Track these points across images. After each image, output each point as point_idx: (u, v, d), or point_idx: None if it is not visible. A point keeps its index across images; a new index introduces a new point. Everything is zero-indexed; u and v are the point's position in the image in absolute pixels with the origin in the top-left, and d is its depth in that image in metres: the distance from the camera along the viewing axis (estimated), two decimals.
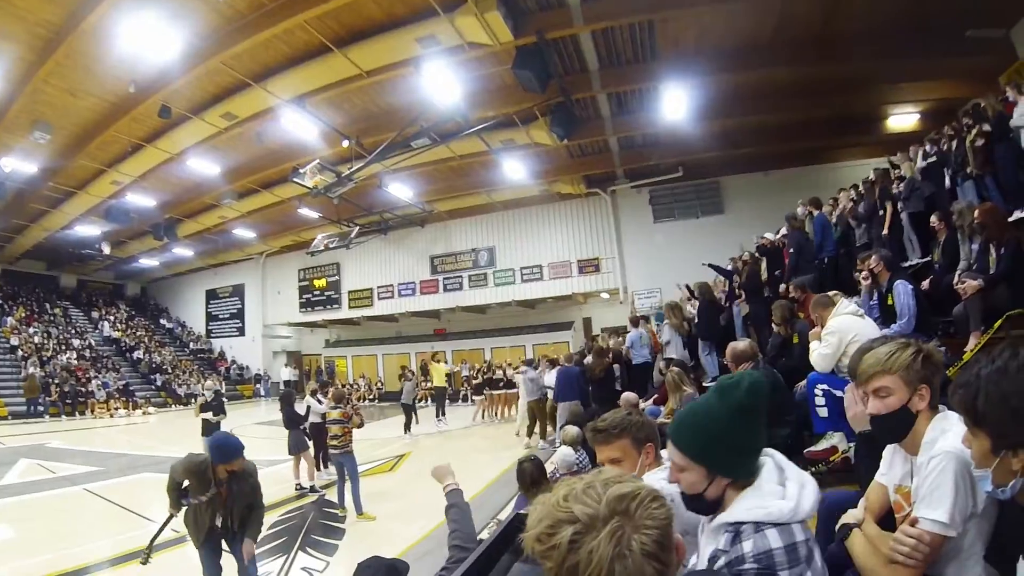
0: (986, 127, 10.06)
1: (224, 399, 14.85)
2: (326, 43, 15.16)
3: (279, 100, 17.19)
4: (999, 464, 1.68)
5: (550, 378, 16.15)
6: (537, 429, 16.33)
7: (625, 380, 13.61)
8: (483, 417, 22.41)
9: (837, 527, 2.63)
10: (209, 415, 13.89)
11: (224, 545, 5.94)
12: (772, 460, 2.01)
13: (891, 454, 2.64)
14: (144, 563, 6.09)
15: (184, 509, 5.78)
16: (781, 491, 1.88)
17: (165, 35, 13.20)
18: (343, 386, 28.41)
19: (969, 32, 15.27)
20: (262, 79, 16.53)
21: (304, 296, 35.57)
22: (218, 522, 5.67)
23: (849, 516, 2.63)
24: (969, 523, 2.08)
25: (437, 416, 20.70)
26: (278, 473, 12.83)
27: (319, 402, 12.98)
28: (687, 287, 14.61)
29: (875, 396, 2.39)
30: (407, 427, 19.39)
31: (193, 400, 30.33)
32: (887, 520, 2.56)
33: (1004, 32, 15.12)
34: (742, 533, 1.83)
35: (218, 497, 5.64)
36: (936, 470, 2.13)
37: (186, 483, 5.78)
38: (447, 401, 22.30)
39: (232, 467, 5.63)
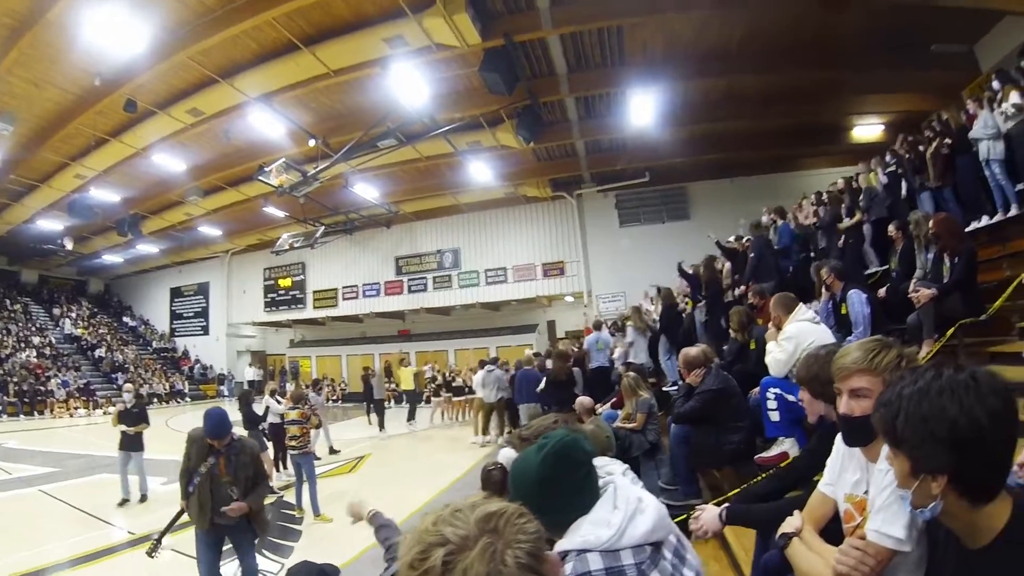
0: (947, 140, 10.33)
1: (146, 405, 13.45)
2: (294, 41, 15.09)
3: (246, 97, 17.10)
4: (919, 486, 1.65)
5: (477, 378, 16.76)
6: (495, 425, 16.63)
7: (583, 384, 13.67)
8: (442, 418, 22.45)
9: (776, 536, 2.64)
10: (124, 427, 11.54)
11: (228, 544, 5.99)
12: (612, 488, 2.05)
13: (840, 462, 2.63)
14: (151, 555, 6.07)
15: (191, 497, 5.76)
16: (607, 519, 1.93)
17: (132, 28, 12.97)
18: (307, 386, 28.29)
19: (934, 47, 15.65)
20: (230, 75, 16.40)
21: (269, 295, 35.42)
22: (224, 492, 5.65)
23: (788, 525, 2.63)
24: (919, 540, 2.07)
25: (409, 419, 20.69)
26: None
27: (278, 402, 12.91)
28: (657, 288, 14.72)
29: (852, 395, 2.33)
30: (381, 424, 19.67)
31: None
32: (827, 531, 2.57)
33: (968, 47, 15.53)
34: (566, 559, 1.88)
35: (217, 468, 5.67)
36: (894, 483, 1.98)
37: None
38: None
39: (220, 443, 5.69)
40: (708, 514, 3.22)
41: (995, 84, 10.34)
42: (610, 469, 2.32)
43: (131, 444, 11.39)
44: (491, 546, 1.22)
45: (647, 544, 1.92)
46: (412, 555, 1.24)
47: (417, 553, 1.23)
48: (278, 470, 12.95)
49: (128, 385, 13.66)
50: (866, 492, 2.38)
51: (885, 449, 2.06)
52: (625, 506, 1.96)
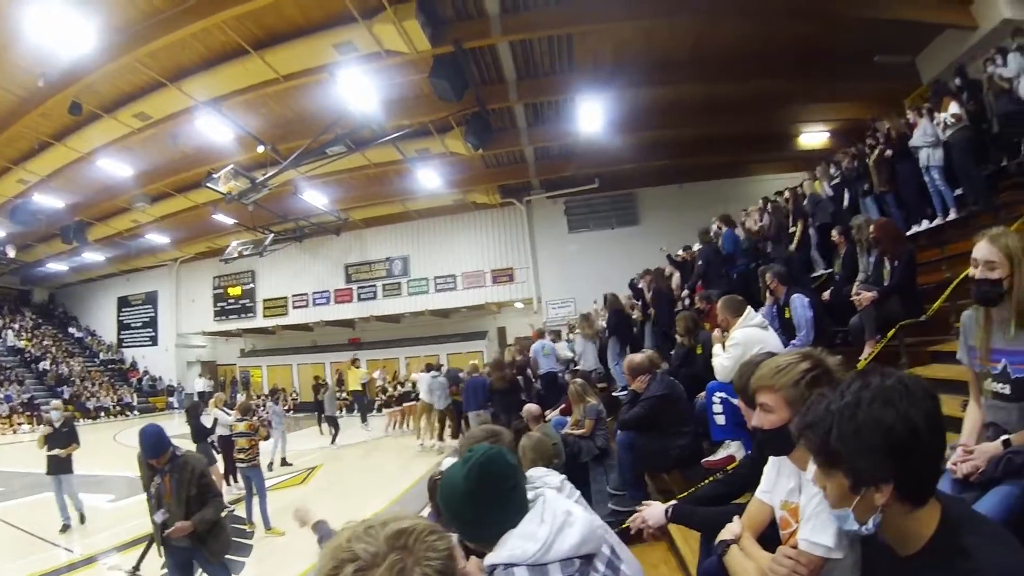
0: (888, 151, 10.69)
1: (75, 426, 11.98)
2: (244, 45, 15.00)
3: (194, 101, 16.88)
4: (861, 501, 1.61)
5: (423, 384, 16.81)
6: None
7: (533, 391, 13.75)
8: (394, 427, 22.39)
9: (715, 542, 2.68)
10: (57, 450, 10.66)
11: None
12: (541, 501, 2.07)
13: (776, 469, 2.67)
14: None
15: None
16: (534, 533, 1.94)
17: (77, 27, 12.61)
18: (264, 396, 28.05)
19: (877, 58, 16.17)
20: (177, 79, 16.19)
21: (219, 304, 34.95)
22: (166, 518, 5.44)
23: (727, 532, 2.66)
24: (852, 546, 2.09)
25: (363, 421, 20.58)
26: None
27: (227, 414, 12.70)
28: (605, 296, 14.88)
29: (760, 409, 2.43)
30: (334, 439, 19.49)
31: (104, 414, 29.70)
32: (766, 537, 2.62)
33: (910, 59, 16.12)
34: (493, 573, 1.92)
35: (163, 488, 5.50)
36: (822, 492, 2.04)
37: None
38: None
39: (158, 462, 5.51)
40: (654, 509, 3.29)
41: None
42: (546, 480, 2.36)
43: (60, 467, 10.68)
44: (400, 563, 1.25)
45: (576, 557, 1.94)
46: (325, 571, 1.27)
47: (330, 569, 1.26)
48: (228, 483, 12.77)
49: (56, 402, 12.84)
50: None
51: None
52: (552, 520, 1.97)
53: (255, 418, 11.17)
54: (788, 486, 2.55)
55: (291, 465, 15.91)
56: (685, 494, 5.02)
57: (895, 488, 1.56)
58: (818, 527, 2.14)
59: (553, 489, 2.25)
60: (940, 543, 1.59)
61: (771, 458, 2.72)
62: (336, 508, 10.68)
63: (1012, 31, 10.90)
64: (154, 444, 5.47)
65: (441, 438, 16.77)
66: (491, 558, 1.94)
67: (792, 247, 11.55)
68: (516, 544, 1.92)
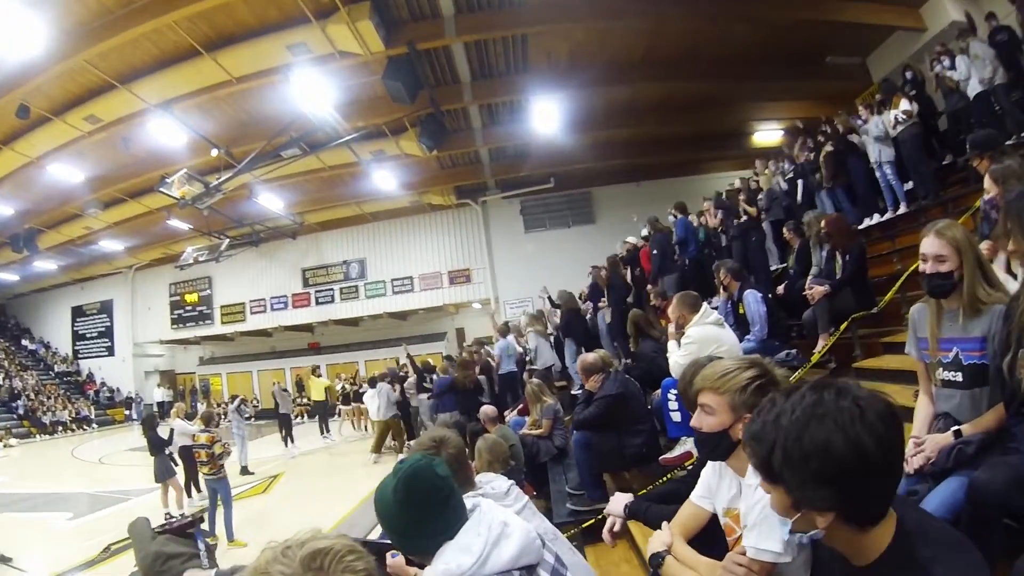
0: (830, 146, 10.96)
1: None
2: (196, 46, 14.80)
3: (146, 104, 16.59)
4: (801, 517, 1.53)
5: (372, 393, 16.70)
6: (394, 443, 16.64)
7: (492, 391, 13.72)
8: (353, 428, 22.39)
9: (647, 557, 2.65)
10: None
11: None
12: (478, 512, 2.06)
13: (717, 474, 2.66)
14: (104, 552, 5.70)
15: None
16: (469, 545, 1.93)
17: (24, 27, 12.24)
18: (218, 405, 27.71)
19: (829, 59, 16.58)
20: (128, 81, 15.90)
21: (176, 312, 34.37)
22: None
23: (657, 542, 2.62)
24: (803, 546, 2.01)
25: (322, 432, 20.44)
26: (149, 502, 12.29)
27: (188, 423, 12.48)
28: (548, 298, 14.87)
29: (701, 410, 2.42)
30: (287, 439, 19.27)
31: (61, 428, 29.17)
32: (699, 542, 2.61)
33: (861, 60, 16.58)
34: None
35: None
36: (764, 499, 1.97)
37: None
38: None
39: None
40: (615, 501, 3.25)
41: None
42: (493, 486, 2.34)
43: None
44: None
45: (515, 569, 1.94)
46: None
47: None
48: (190, 494, 12.61)
49: None
50: None
51: (751, 465, 2.15)
52: (487, 532, 1.96)
53: (215, 430, 10.91)
54: (730, 492, 2.54)
55: (253, 474, 15.69)
56: (643, 492, 5.04)
57: (837, 516, 1.49)
58: (764, 533, 2.12)
59: (491, 498, 2.26)
60: (894, 556, 1.53)
61: (710, 464, 2.72)
62: (299, 516, 10.60)
63: (958, 33, 11.20)
64: None
65: (378, 450, 16.56)
66: (428, 572, 1.95)
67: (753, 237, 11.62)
68: (452, 557, 1.91)
